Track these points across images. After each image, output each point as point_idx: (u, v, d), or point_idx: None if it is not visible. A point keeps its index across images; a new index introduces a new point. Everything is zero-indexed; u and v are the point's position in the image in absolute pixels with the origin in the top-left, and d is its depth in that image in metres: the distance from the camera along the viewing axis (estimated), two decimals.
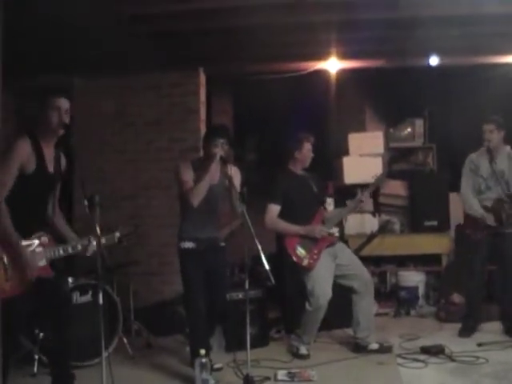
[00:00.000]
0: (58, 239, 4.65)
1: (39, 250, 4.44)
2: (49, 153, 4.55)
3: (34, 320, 4.88)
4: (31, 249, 4.39)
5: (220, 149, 5.52)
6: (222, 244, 5.83)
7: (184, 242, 5.65)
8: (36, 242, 4.43)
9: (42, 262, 4.44)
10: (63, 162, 4.70)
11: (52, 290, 4.55)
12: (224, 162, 5.53)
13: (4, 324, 4.51)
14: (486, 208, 6.59)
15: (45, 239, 4.48)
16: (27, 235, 4.41)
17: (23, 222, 4.38)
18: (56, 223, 4.74)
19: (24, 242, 4.36)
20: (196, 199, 5.43)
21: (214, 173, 5.63)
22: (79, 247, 4.53)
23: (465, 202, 6.84)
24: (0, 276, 4.27)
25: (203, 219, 5.62)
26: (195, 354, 5.38)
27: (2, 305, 4.48)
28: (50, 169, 4.56)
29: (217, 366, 5.72)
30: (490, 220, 6.50)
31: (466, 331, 6.65)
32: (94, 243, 4.50)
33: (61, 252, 4.51)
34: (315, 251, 6.08)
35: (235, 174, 5.69)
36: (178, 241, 5.68)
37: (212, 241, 5.71)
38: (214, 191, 5.65)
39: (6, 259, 4.29)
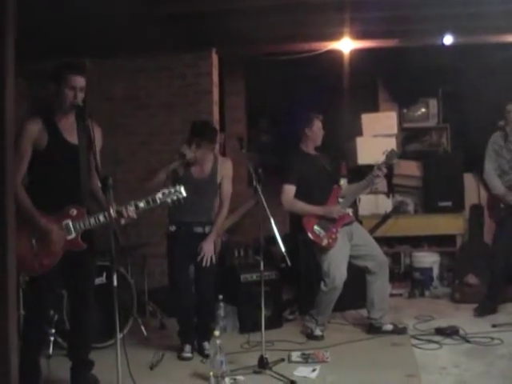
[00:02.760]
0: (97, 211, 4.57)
1: (66, 222, 4.42)
2: (67, 124, 4.51)
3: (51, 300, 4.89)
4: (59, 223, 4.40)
5: (192, 149, 5.65)
6: (207, 230, 5.86)
7: (169, 225, 5.84)
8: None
9: (71, 236, 4.43)
10: (94, 131, 4.40)
11: (77, 264, 4.53)
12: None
13: (34, 303, 4.58)
14: (509, 188, 6.58)
15: (72, 211, 4.43)
16: (58, 209, 4.39)
17: (52, 196, 4.38)
18: (94, 194, 4.66)
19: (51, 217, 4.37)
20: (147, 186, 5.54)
21: (203, 167, 5.85)
22: (112, 210, 4.24)
23: (489, 183, 6.84)
24: (28, 254, 4.30)
25: (189, 206, 5.65)
26: (181, 336, 5.81)
27: (32, 282, 4.52)
28: (71, 139, 4.50)
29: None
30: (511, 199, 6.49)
31: (484, 311, 6.63)
32: (131, 209, 4.48)
33: (92, 222, 4.43)
34: (333, 230, 6.08)
35: (226, 166, 5.96)
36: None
37: (195, 225, 5.81)
38: (202, 186, 5.80)
39: (33, 238, 4.32)
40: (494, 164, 6.72)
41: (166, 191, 4.64)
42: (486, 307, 6.66)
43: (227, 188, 5.95)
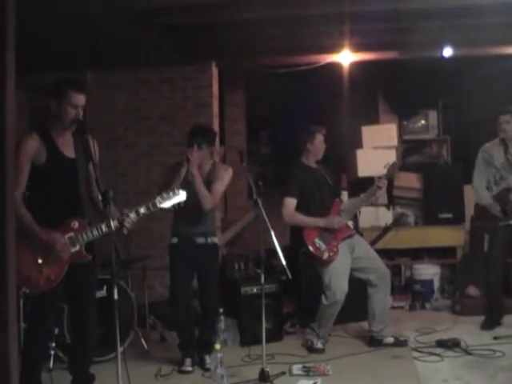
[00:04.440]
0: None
1: (69, 235, 4.39)
2: (65, 139, 4.50)
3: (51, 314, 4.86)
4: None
5: (193, 151, 5.56)
6: (210, 241, 5.86)
7: (171, 237, 5.83)
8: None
9: (75, 248, 4.39)
10: (92, 145, 4.39)
11: (79, 278, 4.50)
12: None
13: (37, 318, 4.56)
14: (496, 198, 6.57)
15: (74, 223, 4.40)
16: (59, 223, 4.36)
17: (53, 211, 4.36)
18: (96, 206, 4.62)
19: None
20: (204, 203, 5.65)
21: (201, 172, 5.74)
22: (114, 224, 4.24)
23: (476, 194, 6.83)
24: (33, 271, 4.28)
25: (188, 216, 5.70)
26: (181, 349, 5.77)
27: (36, 297, 4.49)
28: (69, 154, 4.49)
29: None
30: (496, 210, 6.48)
31: (489, 324, 6.59)
32: (132, 215, 4.47)
33: (94, 232, 4.40)
34: (334, 243, 6.07)
35: (226, 172, 5.88)
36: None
37: (197, 236, 5.78)
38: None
39: (38, 254, 4.29)
40: (484, 175, 6.72)
41: (164, 195, 4.62)
42: (491, 321, 6.62)
43: (217, 187, 5.79)
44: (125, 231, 4.44)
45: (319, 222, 6.10)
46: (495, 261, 6.68)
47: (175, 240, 5.80)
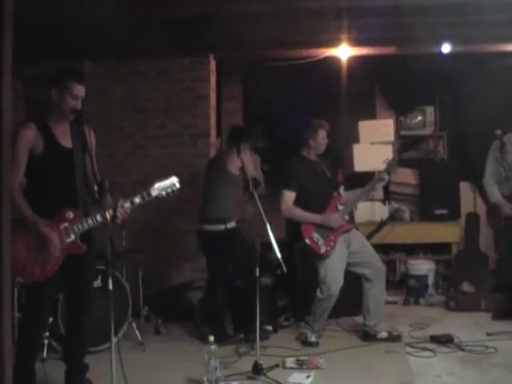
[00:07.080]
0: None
1: (64, 226, 4.37)
2: (62, 129, 4.48)
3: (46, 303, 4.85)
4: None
5: None
6: None
7: (229, 221, 6.19)
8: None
9: (70, 239, 4.38)
10: (89, 135, 4.41)
11: (77, 268, 4.49)
12: None
13: (32, 308, 4.55)
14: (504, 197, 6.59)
15: (69, 214, 4.39)
16: (54, 213, 4.35)
17: (48, 201, 4.34)
18: (93, 196, 4.52)
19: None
20: None
21: None
22: (108, 214, 4.24)
23: (487, 190, 6.87)
24: (28, 260, 4.27)
25: None
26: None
27: (32, 288, 4.49)
28: (66, 144, 4.48)
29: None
30: (507, 208, 6.47)
31: (503, 315, 6.68)
32: (126, 205, 4.44)
33: (89, 223, 4.39)
34: (332, 237, 6.07)
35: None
36: (223, 222, 6.16)
37: None
38: None
39: (33, 244, 4.28)
40: (494, 170, 6.75)
41: (160, 184, 4.60)
42: (505, 312, 6.68)
43: None
44: (118, 221, 4.43)
45: (317, 218, 6.09)
46: (507, 261, 6.71)
47: (234, 224, 6.17)
